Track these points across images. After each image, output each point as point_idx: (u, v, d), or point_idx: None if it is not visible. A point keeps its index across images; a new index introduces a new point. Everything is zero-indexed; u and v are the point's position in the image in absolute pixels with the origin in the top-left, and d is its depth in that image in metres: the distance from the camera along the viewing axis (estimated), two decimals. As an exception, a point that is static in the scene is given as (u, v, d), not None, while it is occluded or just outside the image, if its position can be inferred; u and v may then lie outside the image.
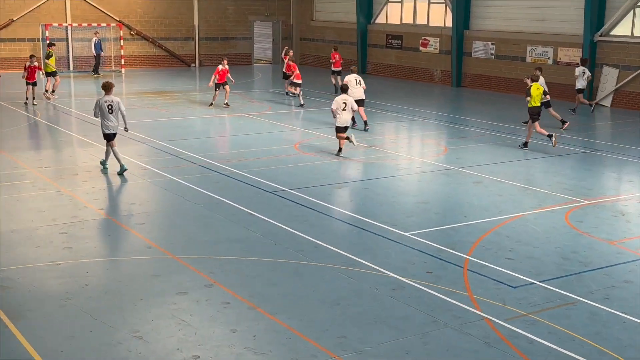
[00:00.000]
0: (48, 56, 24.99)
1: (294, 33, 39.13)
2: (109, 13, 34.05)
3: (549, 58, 26.89)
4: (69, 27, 33.21)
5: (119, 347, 7.30)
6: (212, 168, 15.00)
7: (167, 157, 15.99)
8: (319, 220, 11.84)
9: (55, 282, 8.94)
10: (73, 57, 33.58)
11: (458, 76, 30.36)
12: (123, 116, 14.37)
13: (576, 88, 22.99)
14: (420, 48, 32.14)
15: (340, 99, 16.48)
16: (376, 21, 34.47)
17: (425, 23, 32.06)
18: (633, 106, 24.61)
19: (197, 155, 16.10)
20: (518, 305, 8.40)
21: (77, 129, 19.57)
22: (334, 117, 16.47)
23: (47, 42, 28.39)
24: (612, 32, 25.15)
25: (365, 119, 19.65)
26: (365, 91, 19.83)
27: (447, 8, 30.51)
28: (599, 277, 9.38)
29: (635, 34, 24.55)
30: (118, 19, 34.22)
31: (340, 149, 16.38)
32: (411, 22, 32.75)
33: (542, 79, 19.95)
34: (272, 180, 14.03)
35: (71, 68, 33.47)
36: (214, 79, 23.10)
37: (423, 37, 31.98)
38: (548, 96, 18.97)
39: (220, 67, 23.10)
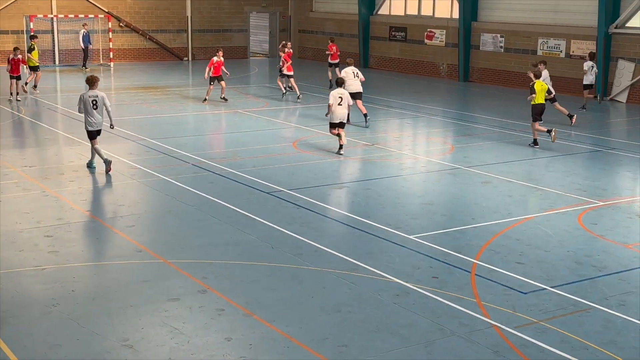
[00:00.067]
0: (30, 50, 24.95)
1: (292, 25, 39.14)
2: (96, 4, 34.05)
3: (561, 51, 26.90)
4: (55, 19, 33.21)
5: (107, 356, 7.30)
6: (206, 167, 15.00)
7: (158, 156, 15.99)
8: (319, 223, 11.84)
9: (40, 287, 8.94)
10: (59, 51, 33.58)
11: (465, 70, 30.37)
12: (108, 112, 14.38)
13: (584, 83, 22.97)
14: (426, 41, 32.14)
15: (336, 93, 16.55)
16: (379, 12, 34.48)
17: (431, 14, 32.08)
18: (650, 102, 24.64)
19: (190, 154, 16.10)
20: (529, 312, 8.40)
21: (63, 126, 19.57)
22: (327, 115, 16.54)
23: (30, 34, 28.40)
24: (628, 24, 25.16)
25: (365, 112, 19.70)
26: (366, 85, 19.86)
27: (454, -2, 30.57)
28: (614, 283, 9.38)
29: (652, 25, 24.59)
30: (106, 10, 34.23)
31: (340, 146, 16.39)
32: (416, 13, 32.76)
33: (546, 73, 19.98)
34: (269, 180, 14.03)
35: (57, 62, 33.47)
36: (208, 71, 23.11)
37: (428, 29, 31.98)
38: (553, 94, 19.10)
39: (215, 58, 23.11)
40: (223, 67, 23.30)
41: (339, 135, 16.50)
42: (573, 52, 26.51)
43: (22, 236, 10.73)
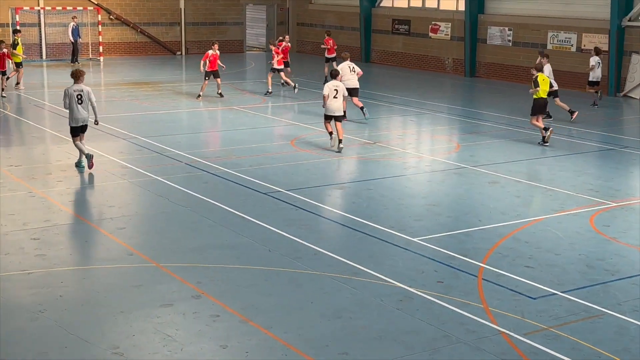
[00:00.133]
0: (14, 45, 24.90)
1: (290, 17, 39.15)
2: (85, -5, 34.08)
3: (572, 45, 26.91)
4: (42, 11, 33.21)
5: (96, 364, 7.30)
6: (200, 167, 15.00)
7: (150, 155, 16.00)
8: (318, 225, 11.84)
9: (26, 292, 8.93)
10: (46, 45, 33.57)
11: (471, 65, 30.38)
12: (93, 107, 14.45)
13: (590, 80, 22.89)
14: (430, 34, 32.16)
15: (331, 85, 16.62)
16: (381, 4, 34.50)
17: (436, 6, 32.09)
18: (665, 98, 24.65)
19: (183, 153, 16.10)
20: (538, 319, 8.40)
21: (51, 123, 19.57)
22: (324, 106, 16.59)
23: (14, 28, 28.38)
24: (642, 17, 25.20)
25: (360, 105, 19.75)
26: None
27: (460, -10, 30.59)
28: (627, 287, 9.38)
29: (668, 18, 24.61)
30: (96, 2, 34.22)
31: (339, 141, 16.39)
32: (420, 5, 32.77)
33: (548, 67, 20.01)
34: (267, 180, 14.03)
35: (44, 56, 33.47)
36: (203, 64, 23.13)
37: (433, 22, 32.00)
38: (555, 86, 19.22)
39: (210, 52, 23.14)
40: (219, 61, 23.32)
41: (330, 134, 16.57)
42: (584, 45, 26.51)
43: (7, 239, 10.73)
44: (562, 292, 9.17)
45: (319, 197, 13.19)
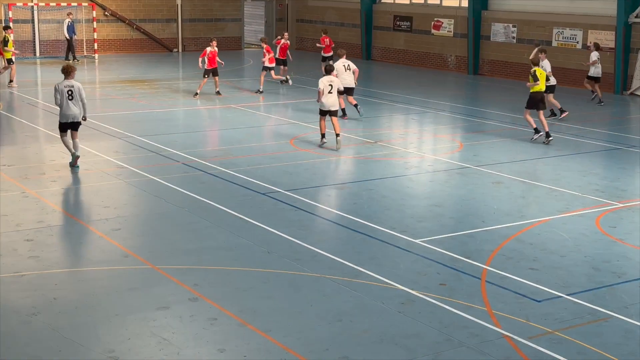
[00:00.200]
0: (5, 41, 24.89)
1: (289, 14, 39.15)
2: (80, -9, 34.08)
3: (577, 42, 26.91)
4: (35, 7, 33.20)
5: (91, 369, 7.31)
6: (198, 167, 15.00)
7: (146, 154, 16.00)
8: (318, 226, 11.83)
9: (19, 295, 8.93)
10: (40, 41, 33.56)
11: (475, 63, 30.39)
12: (83, 104, 14.50)
13: (591, 75, 22.95)
14: (433, 31, 32.16)
15: (326, 80, 16.68)
16: (382, 0, 34.49)
17: (438, 2, 32.10)
18: (673, 96, 24.65)
19: (180, 152, 16.10)
20: (543, 322, 8.40)
21: (45, 122, 19.57)
22: (318, 101, 16.62)
23: (4, 25, 28.35)
24: (650, 13, 25.20)
25: (354, 103, 19.82)
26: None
27: (463, -15, 30.61)
28: (634, 290, 9.38)
29: (676, 14, 24.61)
30: (91, -2, 34.24)
31: (337, 135, 16.44)
32: (422, 1, 32.77)
33: (547, 62, 20.05)
34: (265, 180, 14.03)
35: (37, 53, 33.46)
36: (201, 61, 23.15)
37: (435, 19, 32.00)
38: (553, 82, 19.66)
39: (208, 49, 23.16)
40: (217, 57, 23.35)
41: (323, 136, 16.65)
42: (590, 42, 26.49)
43: (0, 240, 10.72)
44: (567, 294, 9.17)
45: (318, 198, 13.18)
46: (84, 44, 33.92)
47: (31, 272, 9.60)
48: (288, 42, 26.54)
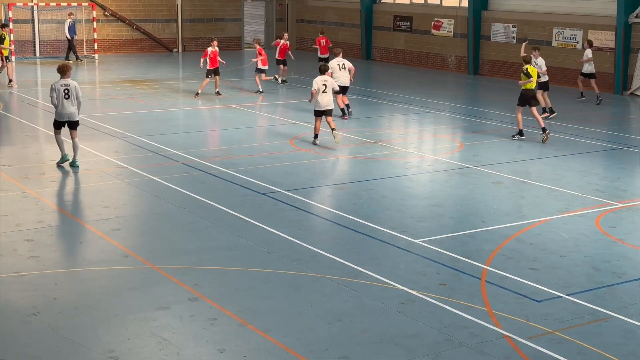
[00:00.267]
0: (1, 39, 24.89)
1: (289, 14, 39.13)
2: (80, -9, 34.07)
3: (577, 42, 26.90)
4: (35, 7, 33.19)
5: (91, 369, 7.31)
6: (198, 167, 15.00)
7: (146, 154, 15.99)
8: (318, 226, 11.83)
9: (19, 295, 8.93)
10: (40, 41, 33.55)
11: (475, 63, 30.38)
12: (79, 103, 14.52)
13: (586, 72, 23.00)
14: (433, 31, 32.15)
15: (320, 79, 16.76)
16: (382, 0, 34.48)
17: (438, 2, 32.08)
18: (673, 97, 24.65)
19: (180, 152, 16.10)
20: (543, 322, 8.40)
21: (45, 122, 19.54)
22: (310, 101, 16.66)
23: (3, 22, 28.34)
24: (650, 13, 25.19)
25: (346, 102, 19.90)
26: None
27: (463, -14, 30.60)
28: (634, 290, 9.38)
29: (676, 14, 24.60)
30: (91, -2, 34.24)
31: (333, 129, 16.48)
32: (422, 1, 32.76)
33: (541, 61, 20.07)
34: (265, 180, 14.03)
35: (37, 53, 33.45)
36: (203, 61, 23.18)
37: (435, 19, 31.99)
38: (545, 78, 19.82)
39: (209, 49, 23.20)
40: (219, 57, 23.38)
41: (316, 136, 16.74)
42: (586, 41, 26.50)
43: (0, 240, 10.72)
44: (567, 294, 9.17)
45: (318, 198, 13.18)
46: (84, 44, 33.90)
47: (31, 272, 9.60)
48: (288, 42, 26.53)
